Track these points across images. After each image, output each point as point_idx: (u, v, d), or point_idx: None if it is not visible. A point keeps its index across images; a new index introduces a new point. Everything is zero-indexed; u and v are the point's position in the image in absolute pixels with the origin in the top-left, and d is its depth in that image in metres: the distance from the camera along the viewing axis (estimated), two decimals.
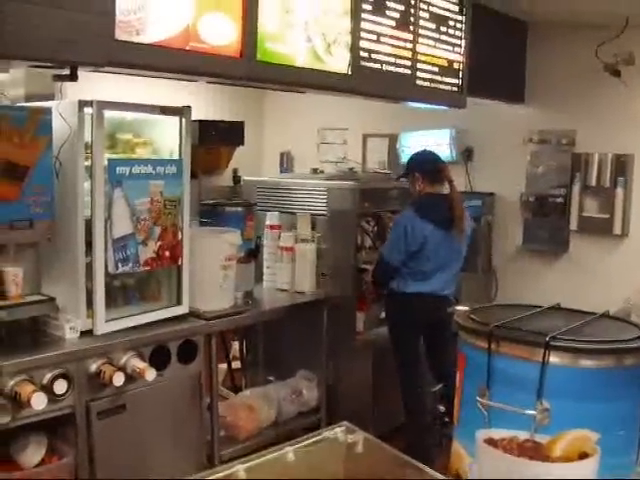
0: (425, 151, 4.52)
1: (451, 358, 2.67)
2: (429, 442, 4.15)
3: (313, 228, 4.65)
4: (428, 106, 4.79)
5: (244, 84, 3.90)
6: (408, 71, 4.28)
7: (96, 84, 3.61)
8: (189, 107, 3.59)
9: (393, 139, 6.13)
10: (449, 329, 4.01)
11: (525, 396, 2.19)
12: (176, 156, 3.58)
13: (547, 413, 2.16)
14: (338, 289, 4.57)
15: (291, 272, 4.56)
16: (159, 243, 3.44)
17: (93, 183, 3.16)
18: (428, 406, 4.27)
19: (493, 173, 5.68)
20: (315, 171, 5.30)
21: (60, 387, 2.96)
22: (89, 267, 3.20)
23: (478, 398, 2.26)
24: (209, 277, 3.80)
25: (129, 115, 3.52)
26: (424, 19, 4.32)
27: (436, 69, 4.50)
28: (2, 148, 2.88)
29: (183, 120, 3.56)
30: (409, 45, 4.24)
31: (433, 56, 4.46)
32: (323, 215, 4.66)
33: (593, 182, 5.16)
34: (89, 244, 3.19)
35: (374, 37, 3.99)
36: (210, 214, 4.27)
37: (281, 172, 6.61)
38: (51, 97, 3.34)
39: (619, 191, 5.07)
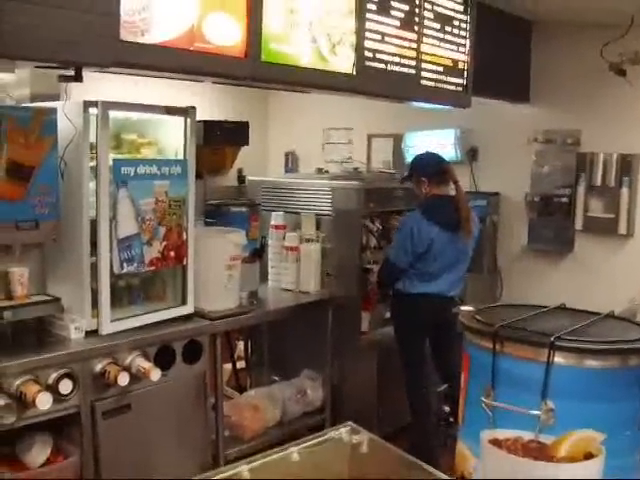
0: (428, 153, 4.49)
1: (457, 359, 2.66)
2: (434, 443, 4.15)
3: (318, 228, 4.66)
4: (433, 106, 4.79)
5: (249, 84, 3.89)
6: (413, 71, 4.27)
7: (101, 85, 3.62)
8: (194, 107, 3.60)
9: (398, 139, 6.13)
10: (455, 330, 4.01)
11: (530, 396, 2.19)
12: (181, 156, 3.58)
13: (552, 413, 2.16)
14: (343, 289, 4.57)
15: (296, 272, 4.56)
16: (164, 243, 3.45)
17: (98, 183, 3.16)
18: (433, 407, 4.27)
19: (498, 173, 5.67)
20: (320, 171, 5.31)
21: (65, 387, 2.96)
22: (94, 267, 3.21)
23: (483, 398, 2.26)
24: (214, 277, 3.80)
25: (134, 115, 3.53)
26: (429, 19, 4.31)
27: (441, 69, 4.50)
28: (7, 148, 2.88)
29: (188, 120, 3.57)
30: (414, 45, 4.24)
31: (438, 56, 4.45)
32: (328, 215, 4.67)
33: (598, 182, 5.14)
34: (94, 244, 3.19)
35: (379, 37, 3.98)
36: (215, 214, 4.28)
37: (286, 172, 6.61)
38: (56, 97, 3.34)
39: (624, 191, 5.05)
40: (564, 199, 5.34)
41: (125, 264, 3.28)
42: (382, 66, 4.04)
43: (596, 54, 4.88)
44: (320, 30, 3.64)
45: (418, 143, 5.81)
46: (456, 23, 4.55)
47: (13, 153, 2.91)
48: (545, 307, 2.63)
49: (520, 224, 5.59)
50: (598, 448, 2.18)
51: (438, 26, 4.40)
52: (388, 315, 4.55)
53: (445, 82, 4.56)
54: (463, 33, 4.62)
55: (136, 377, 3.22)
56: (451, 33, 4.53)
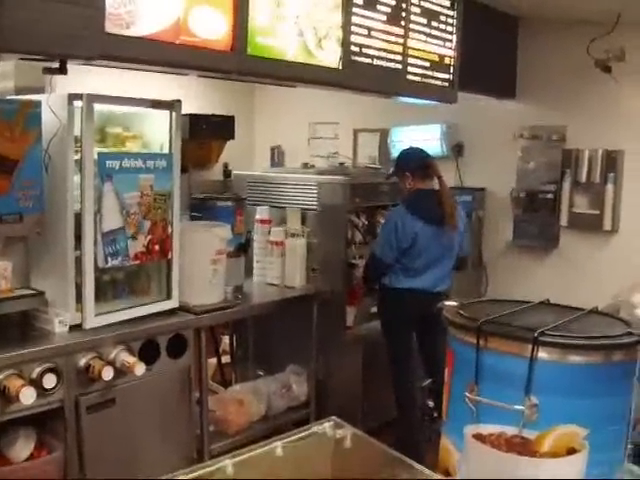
0: (411, 148, 4.53)
1: (442, 354, 2.67)
2: (419, 437, 4.16)
3: (303, 223, 4.66)
4: (419, 101, 4.78)
5: (235, 78, 3.87)
6: (399, 66, 4.27)
7: (86, 77, 3.59)
8: (179, 101, 3.58)
9: (384, 134, 6.13)
10: (441, 325, 4.02)
11: (514, 392, 2.19)
12: (166, 150, 3.57)
13: (535, 409, 2.16)
14: (328, 284, 4.57)
15: (281, 267, 4.56)
16: (149, 237, 3.44)
17: (83, 177, 3.15)
18: (418, 401, 4.28)
19: (484, 168, 5.69)
20: (306, 166, 5.30)
21: (49, 381, 2.95)
22: (78, 261, 3.20)
23: (466, 394, 2.26)
24: (199, 271, 3.79)
25: (119, 109, 3.51)
26: (415, 14, 4.31)
27: (427, 64, 4.50)
28: None
29: (173, 114, 3.56)
30: (400, 40, 4.23)
31: (424, 51, 4.45)
32: (313, 210, 4.66)
33: (583, 178, 5.16)
34: (78, 238, 3.18)
35: (365, 32, 3.98)
36: (200, 208, 4.26)
37: (272, 166, 6.60)
38: (41, 90, 3.32)
39: (609, 187, 5.08)
40: (549, 195, 5.35)
41: (110, 258, 3.27)
42: (368, 61, 4.04)
43: (582, 51, 4.90)
44: (306, 24, 3.63)
45: (404, 138, 5.82)
46: (443, 18, 4.55)
47: None
48: (529, 302, 2.63)
49: (505, 220, 5.61)
50: (581, 443, 2.19)
51: (425, 21, 4.40)
52: (373, 310, 4.55)
53: (431, 77, 4.56)
54: (450, 28, 4.62)
55: (120, 371, 3.21)
56: (438, 28, 4.53)
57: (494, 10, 5.03)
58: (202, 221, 4.13)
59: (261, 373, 4.75)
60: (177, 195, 3.58)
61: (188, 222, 4.05)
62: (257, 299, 4.36)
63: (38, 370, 2.93)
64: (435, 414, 4.04)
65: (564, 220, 5.30)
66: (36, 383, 2.89)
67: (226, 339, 5.32)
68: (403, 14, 4.22)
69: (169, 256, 3.58)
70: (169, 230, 3.54)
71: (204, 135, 4.29)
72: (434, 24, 4.49)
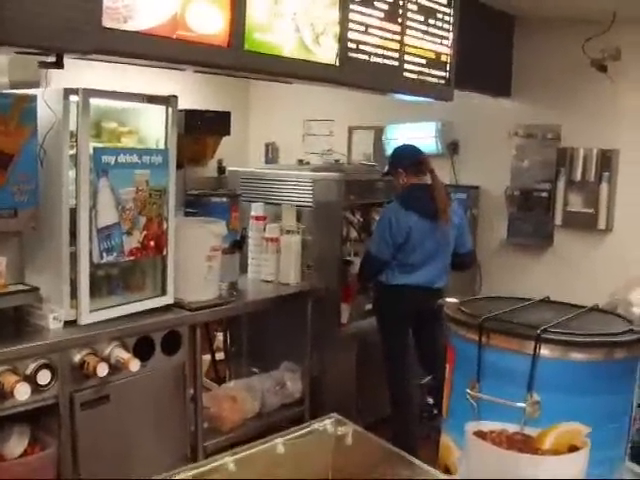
0: (404, 145, 4.55)
1: (439, 350, 2.67)
2: (415, 434, 4.16)
3: (298, 219, 4.65)
4: (415, 98, 4.77)
5: (231, 74, 3.87)
6: (396, 63, 4.25)
7: (81, 72, 3.58)
8: (175, 96, 3.56)
9: (379, 131, 6.13)
10: (438, 321, 4.03)
11: (515, 389, 2.19)
12: (162, 146, 3.56)
13: (537, 406, 2.16)
14: (323, 281, 4.56)
15: (276, 263, 4.55)
16: (144, 233, 3.42)
17: (78, 172, 3.13)
18: (414, 397, 4.28)
19: (478, 166, 5.69)
20: (301, 162, 5.29)
21: (44, 377, 2.94)
22: (73, 257, 3.18)
23: (468, 390, 2.26)
24: (194, 268, 3.78)
25: (114, 104, 3.49)
26: (412, 11, 4.30)
27: (424, 61, 4.48)
28: None
29: (169, 109, 3.54)
30: (397, 37, 4.22)
31: (421, 48, 4.44)
32: (309, 207, 4.66)
33: (578, 177, 5.18)
34: (73, 233, 3.16)
35: (362, 28, 3.96)
36: (195, 204, 4.25)
37: (266, 163, 6.59)
38: (36, 85, 3.31)
39: (604, 186, 5.09)
40: (544, 193, 5.37)
41: (105, 254, 3.25)
42: (365, 57, 4.02)
43: (578, 50, 4.91)
44: (304, 20, 3.61)
45: (399, 136, 5.82)
46: (440, 16, 4.54)
47: None
48: (530, 300, 2.64)
49: (500, 218, 5.62)
50: (583, 441, 2.19)
51: (422, 18, 4.39)
52: (368, 307, 4.55)
53: (428, 75, 4.55)
54: (446, 26, 4.61)
55: (115, 368, 3.20)
56: (434, 26, 4.52)
57: (490, 8, 5.03)
58: (197, 217, 4.11)
59: (255, 370, 4.74)
60: (173, 191, 3.56)
61: (183, 218, 4.03)
62: (252, 296, 4.34)
63: (33, 366, 2.91)
64: (435, 411, 4.04)
65: (558, 219, 5.31)
66: (30, 379, 2.87)
67: (220, 336, 5.30)
68: (400, 11, 4.20)
69: (164, 252, 3.56)
70: (164, 226, 3.53)
71: (200, 131, 4.26)
72: (431, 21, 4.48)
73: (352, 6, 3.87)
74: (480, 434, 2.27)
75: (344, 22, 3.84)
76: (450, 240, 4.23)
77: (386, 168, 4.46)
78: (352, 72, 3.96)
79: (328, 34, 3.77)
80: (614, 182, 5.09)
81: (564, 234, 5.35)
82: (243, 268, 4.57)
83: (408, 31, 4.30)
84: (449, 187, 4.99)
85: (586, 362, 2.22)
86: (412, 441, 4.01)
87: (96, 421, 3.20)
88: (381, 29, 4.10)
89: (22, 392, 2.79)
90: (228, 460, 1.73)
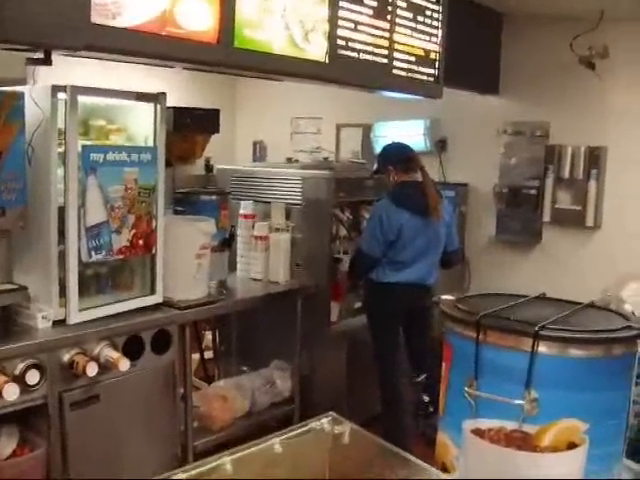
0: (393, 143, 4.57)
1: (431, 348, 2.66)
2: (406, 431, 4.16)
3: (287, 217, 4.63)
4: (404, 96, 4.77)
5: (221, 71, 3.85)
6: (385, 60, 4.24)
7: (69, 69, 3.54)
8: (164, 94, 3.54)
9: (367, 129, 6.12)
10: (429, 319, 4.03)
11: (513, 386, 2.19)
12: (151, 143, 3.53)
13: (535, 403, 2.16)
14: (312, 279, 4.55)
15: (265, 262, 4.53)
16: (133, 231, 3.40)
17: (66, 170, 3.10)
18: (404, 395, 4.27)
19: (467, 164, 5.70)
20: (290, 160, 5.28)
21: (32, 377, 2.91)
22: (62, 255, 3.15)
23: (466, 388, 2.25)
24: (183, 266, 3.76)
25: (102, 101, 3.46)
26: (401, 8, 4.29)
27: (413, 59, 4.47)
28: None
29: (158, 107, 3.52)
30: (386, 34, 4.21)
31: (410, 45, 4.42)
32: (298, 204, 4.64)
33: (566, 174, 5.19)
34: (62, 232, 3.13)
35: (352, 25, 3.95)
36: (184, 203, 4.22)
37: (254, 161, 6.57)
38: (23, 82, 3.27)
39: (592, 183, 5.10)
40: (532, 191, 5.38)
41: (93, 252, 3.23)
42: (355, 55, 4.01)
43: (566, 47, 4.92)
44: (293, 17, 3.60)
45: (387, 133, 5.81)
46: (428, 13, 4.53)
47: None
48: (526, 296, 2.64)
49: (488, 215, 5.63)
50: (581, 437, 2.19)
51: (410, 15, 4.38)
52: (358, 305, 4.54)
53: (417, 72, 4.54)
54: (435, 23, 4.60)
55: (105, 367, 3.18)
56: (423, 23, 4.51)
57: (478, 5, 5.04)
58: (186, 215, 4.09)
59: (245, 369, 4.72)
60: (161, 189, 3.54)
61: (172, 216, 4.01)
62: (241, 294, 4.32)
63: (21, 366, 2.88)
64: (430, 409, 4.04)
65: (547, 216, 5.32)
66: (19, 379, 2.85)
67: (209, 334, 5.28)
68: (389, 8, 4.19)
69: (153, 251, 3.54)
70: (153, 224, 3.51)
71: (189, 128, 4.24)
72: (420, 18, 4.47)
73: (341, 3, 3.85)
74: (478, 432, 2.27)
75: (333, 19, 3.82)
76: (441, 237, 4.23)
77: (375, 166, 4.46)
78: (342, 69, 3.95)
79: (318, 31, 3.76)
80: (602, 179, 5.10)
81: (552, 231, 5.36)
82: (232, 266, 4.55)
83: (397, 28, 4.29)
84: (437, 184, 4.99)
85: (584, 358, 2.23)
86: (403, 439, 4.00)
87: (86, 421, 3.18)
88: (370, 26, 4.08)
89: (11, 392, 2.77)
90: (226, 460, 1.72)
